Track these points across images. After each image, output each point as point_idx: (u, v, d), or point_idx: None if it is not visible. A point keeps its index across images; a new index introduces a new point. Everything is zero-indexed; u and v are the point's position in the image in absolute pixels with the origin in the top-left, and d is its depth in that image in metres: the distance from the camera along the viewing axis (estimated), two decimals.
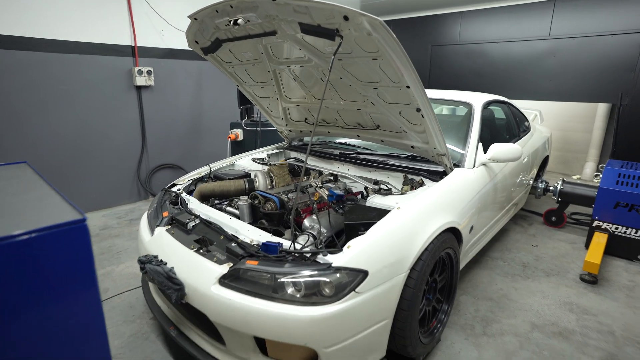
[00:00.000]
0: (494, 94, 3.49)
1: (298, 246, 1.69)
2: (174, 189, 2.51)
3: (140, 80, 4.38)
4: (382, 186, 2.34)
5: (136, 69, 4.33)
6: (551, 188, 3.84)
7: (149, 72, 4.43)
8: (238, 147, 4.28)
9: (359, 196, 2.51)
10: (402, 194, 2.10)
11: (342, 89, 2.24)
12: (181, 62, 4.79)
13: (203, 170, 2.77)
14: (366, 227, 1.78)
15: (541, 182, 3.90)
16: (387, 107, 2.14)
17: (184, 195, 2.39)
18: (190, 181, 2.64)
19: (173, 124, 4.87)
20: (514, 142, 3.35)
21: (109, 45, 4.15)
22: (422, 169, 2.36)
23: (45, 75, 3.77)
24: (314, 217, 2.10)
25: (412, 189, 2.23)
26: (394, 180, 2.42)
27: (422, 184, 2.27)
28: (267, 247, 1.67)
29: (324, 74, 2.18)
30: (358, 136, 2.60)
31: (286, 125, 3.00)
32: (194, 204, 2.25)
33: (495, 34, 5.49)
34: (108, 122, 4.30)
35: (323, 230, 1.96)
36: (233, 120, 4.51)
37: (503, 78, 5.57)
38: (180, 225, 2.06)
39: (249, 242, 1.78)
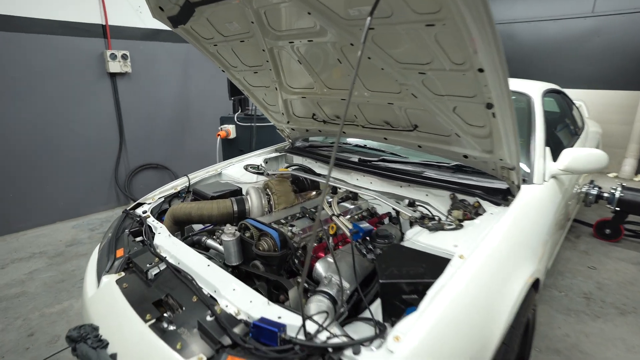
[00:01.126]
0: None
1: (311, 325, 1.05)
2: (139, 210, 1.87)
3: (114, 66, 3.70)
4: (422, 209, 1.70)
5: (109, 52, 3.64)
6: (605, 195, 3.20)
7: (124, 57, 3.74)
8: (230, 147, 3.62)
9: (386, 219, 1.88)
10: (457, 227, 1.46)
11: (369, 75, 1.58)
12: (163, 45, 4.09)
13: (180, 184, 2.12)
14: (413, 288, 1.15)
15: (593, 188, 3.25)
16: (435, 101, 1.48)
17: (150, 220, 1.75)
18: (162, 199, 2.00)
19: (155, 117, 4.20)
20: (574, 144, 2.70)
21: (74, 24, 3.45)
22: (477, 185, 1.72)
23: None
24: (330, 259, 1.46)
25: (465, 216, 1.59)
26: (435, 200, 1.78)
27: (478, 208, 1.63)
28: (261, 331, 1.03)
29: (342, 52, 1.51)
30: (385, 139, 1.95)
31: (288, 122, 2.34)
32: (162, 237, 1.61)
33: (526, 13, 4.77)
34: (77, 115, 3.63)
35: (345, 284, 1.33)
36: (225, 113, 3.84)
37: (534, 63, 4.88)
38: (139, 272, 1.43)
39: (234, 313, 1.14)
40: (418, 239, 1.40)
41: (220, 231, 1.64)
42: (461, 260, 1.21)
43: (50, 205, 3.61)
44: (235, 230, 1.56)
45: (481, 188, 1.71)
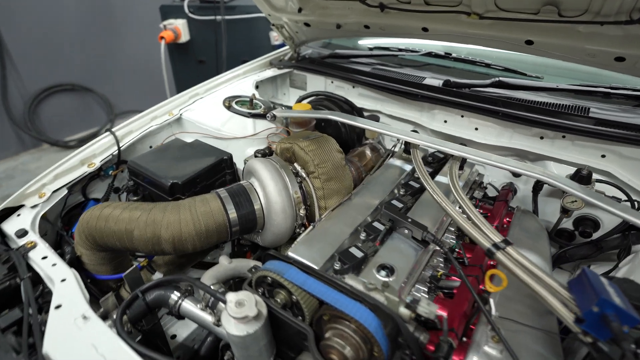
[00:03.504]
0: None
1: None
2: (9, 226, 0.84)
3: None
4: (600, 187, 0.83)
5: None
6: None
7: None
8: (182, 56, 2.37)
9: (507, 194, 1.01)
10: None
11: None
12: None
13: (100, 149, 1.04)
14: None
15: None
16: None
17: (38, 258, 0.75)
18: (66, 190, 0.95)
19: (58, 11, 2.71)
20: None
21: None
22: None
23: None
24: (492, 350, 0.59)
25: None
26: (627, 167, 0.91)
27: None
28: None
29: None
30: (529, 43, 0.94)
31: (299, 10, 1.23)
32: (65, 318, 0.64)
33: None
34: None
35: None
36: (168, 0, 2.46)
37: None
38: None
39: None
40: None
41: (206, 290, 0.68)
42: None
43: None
44: (253, 298, 0.60)
45: None
